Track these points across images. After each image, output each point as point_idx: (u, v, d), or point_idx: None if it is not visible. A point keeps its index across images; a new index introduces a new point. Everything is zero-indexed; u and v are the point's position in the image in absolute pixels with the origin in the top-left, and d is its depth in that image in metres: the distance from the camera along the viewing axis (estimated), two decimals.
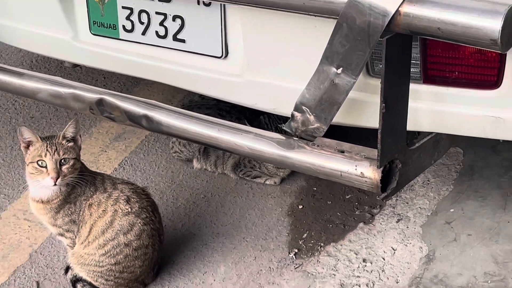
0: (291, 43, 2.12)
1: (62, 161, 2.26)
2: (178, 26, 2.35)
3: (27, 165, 2.29)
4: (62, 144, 2.27)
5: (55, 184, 2.24)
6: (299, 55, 2.12)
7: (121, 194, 2.35)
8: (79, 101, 2.33)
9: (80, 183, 2.31)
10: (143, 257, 2.38)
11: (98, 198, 2.33)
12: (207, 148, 2.98)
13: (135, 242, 2.34)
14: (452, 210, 2.72)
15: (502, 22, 1.57)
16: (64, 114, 3.46)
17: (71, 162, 2.27)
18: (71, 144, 2.30)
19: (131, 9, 2.42)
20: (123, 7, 2.43)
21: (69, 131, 2.30)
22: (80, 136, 2.34)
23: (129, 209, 2.33)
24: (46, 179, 2.24)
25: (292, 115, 1.99)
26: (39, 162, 2.25)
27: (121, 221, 2.32)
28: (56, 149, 2.25)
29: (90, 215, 2.32)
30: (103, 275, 2.36)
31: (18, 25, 2.72)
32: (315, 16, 1.88)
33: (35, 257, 2.64)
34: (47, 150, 2.25)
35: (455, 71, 1.96)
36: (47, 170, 2.24)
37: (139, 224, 2.34)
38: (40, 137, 2.29)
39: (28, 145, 2.29)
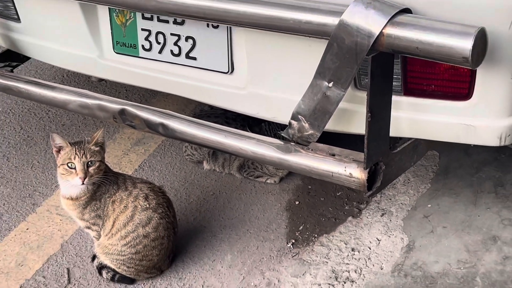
0: (288, 60, 2.11)
1: (89, 163, 2.25)
2: (190, 46, 2.35)
3: (58, 167, 2.28)
4: (89, 148, 2.27)
5: (82, 183, 2.24)
6: (296, 71, 2.11)
7: (140, 192, 2.35)
8: (104, 111, 2.33)
9: (104, 182, 2.30)
10: (160, 247, 2.37)
11: (120, 196, 2.33)
12: (215, 152, 2.98)
13: (153, 234, 2.33)
14: (429, 205, 2.71)
15: (473, 42, 1.58)
16: (91, 122, 3.45)
17: (97, 164, 2.27)
18: (97, 148, 2.29)
19: (149, 31, 2.42)
20: (142, 29, 2.43)
21: (95, 137, 2.29)
22: (104, 141, 2.33)
23: (147, 205, 2.33)
24: (75, 179, 2.24)
25: (289, 123, 1.99)
26: (69, 164, 2.25)
27: (140, 215, 2.32)
28: (84, 152, 2.25)
29: (113, 210, 2.32)
30: (125, 263, 2.36)
31: (52, 45, 2.71)
32: (310, 37, 1.88)
33: (66, 247, 2.64)
34: (75, 153, 2.24)
35: (432, 85, 1.95)
36: (76, 171, 2.24)
37: (156, 218, 2.34)
38: (69, 142, 2.28)
39: (59, 149, 2.29)
